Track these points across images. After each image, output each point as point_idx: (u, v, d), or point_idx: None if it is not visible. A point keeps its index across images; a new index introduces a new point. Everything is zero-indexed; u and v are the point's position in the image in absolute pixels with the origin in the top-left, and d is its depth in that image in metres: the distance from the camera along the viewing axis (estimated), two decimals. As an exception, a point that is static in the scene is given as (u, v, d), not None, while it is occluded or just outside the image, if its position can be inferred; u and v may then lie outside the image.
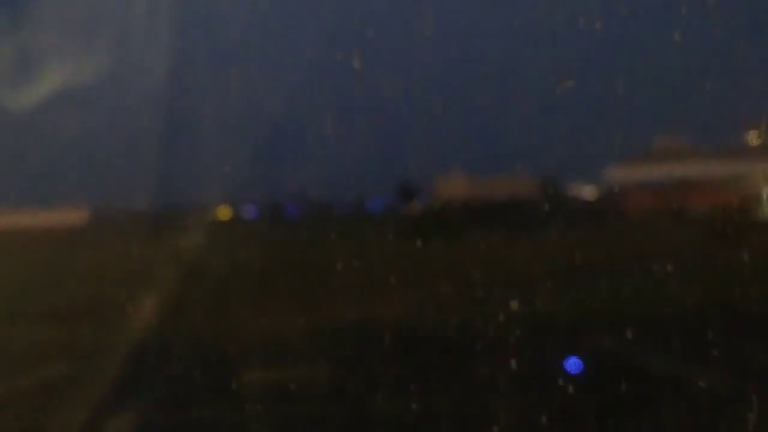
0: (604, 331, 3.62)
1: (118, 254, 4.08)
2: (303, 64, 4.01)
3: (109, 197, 4.27)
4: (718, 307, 3.33)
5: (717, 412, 3.27)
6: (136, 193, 4.18)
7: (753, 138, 3.86)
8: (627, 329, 3.49)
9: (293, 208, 4.37)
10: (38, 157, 4.23)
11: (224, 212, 4.27)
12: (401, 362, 3.59)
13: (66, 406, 3.77)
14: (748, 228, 3.52)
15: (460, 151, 4.08)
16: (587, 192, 4.04)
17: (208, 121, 4.11)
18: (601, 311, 3.67)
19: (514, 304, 3.52)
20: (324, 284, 3.82)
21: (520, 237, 3.82)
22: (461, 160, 4.24)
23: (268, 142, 4.13)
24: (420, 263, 3.74)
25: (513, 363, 3.38)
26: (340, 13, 4.00)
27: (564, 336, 3.71)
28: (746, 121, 3.83)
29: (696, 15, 3.36)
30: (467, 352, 3.43)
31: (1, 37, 4.21)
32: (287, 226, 4.36)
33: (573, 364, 3.68)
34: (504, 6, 3.79)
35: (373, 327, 3.70)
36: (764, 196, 3.82)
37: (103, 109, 4.20)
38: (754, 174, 3.90)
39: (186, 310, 3.98)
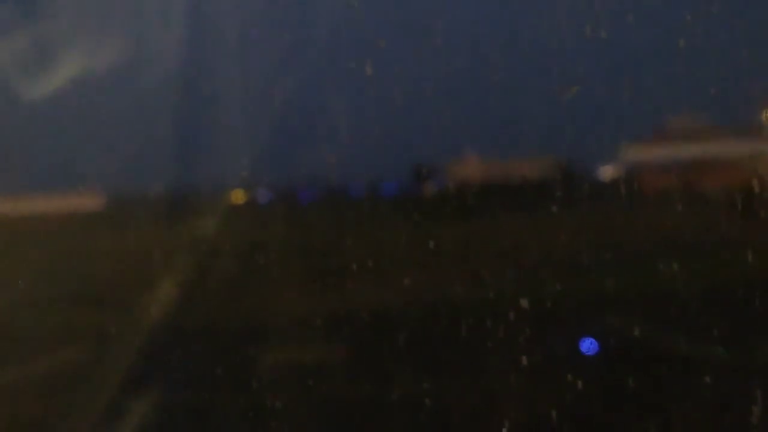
0: (620, 313, 3.61)
1: (131, 238, 4.10)
2: (316, 48, 4.01)
3: (124, 181, 4.28)
4: (737, 288, 3.32)
5: (734, 394, 3.26)
6: (149, 177, 4.19)
7: (769, 116, 3.82)
8: (644, 310, 3.47)
9: (307, 192, 4.36)
10: (56, 144, 4.24)
11: (238, 196, 4.27)
12: (418, 341, 3.59)
13: (83, 389, 3.78)
14: (766, 207, 3.50)
15: (475, 134, 4.06)
16: (603, 173, 4.02)
17: (221, 105, 4.11)
18: (617, 292, 3.65)
19: (530, 284, 3.51)
20: (339, 267, 3.82)
21: (536, 218, 3.80)
22: (476, 143, 4.22)
23: (282, 126, 4.13)
24: (435, 246, 3.74)
25: (528, 344, 3.38)
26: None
27: (580, 317, 3.70)
28: (763, 99, 3.80)
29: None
30: (483, 333, 3.43)
31: (17, 25, 4.23)
32: (301, 210, 4.36)
33: (589, 344, 3.68)
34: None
35: (389, 308, 3.71)
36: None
37: (118, 96, 4.20)
38: (771, 152, 3.87)
39: (200, 293, 3.99)
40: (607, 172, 3.96)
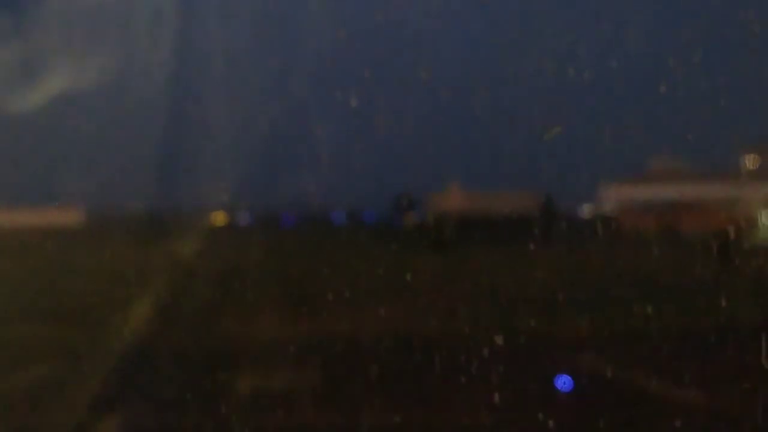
0: (596, 350, 3.61)
1: (112, 256, 4.08)
2: (303, 76, 4.02)
3: (107, 199, 4.27)
4: (713, 328, 3.33)
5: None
6: (133, 196, 4.18)
7: (749, 161, 3.85)
8: (619, 349, 3.47)
9: (289, 217, 4.37)
10: (39, 158, 4.24)
11: (220, 218, 4.27)
12: (392, 373, 3.58)
13: (58, 405, 3.76)
14: (744, 250, 3.52)
15: (458, 166, 4.08)
16: (584, 211, 4.04)
17: (207, 128, 4.11)
18: (594, 330, 3.65)
19: (506, 320, 3.51)
20: (317, 293, 3.81)
21: (515, 253, 3.81)
22: (459, 175, 4.23)
23: (267, 151, 4.13)
24: (414, 275, 3.73)
25: (504, 379, 3.37)
26: (343, 25, 4.01)
27: (556, 354, 3.70)
28: (743, 144, 3.83)
29: (696, 38, 3.37)
30: (458, 365, 3.42)
31: (5, 40, 4.23)
32: (282, 234, 4.36)
33: (564, 381, 3.67)
34: (506, 24, 3.79)
35: (365, 337, 3.70)
36: (760, 219, 3.82)
37: (103, 113, 4.21)
38: (751, 197, 3.90)
39: (178, 314, 3.97)
40: (589, 210, 3.98)
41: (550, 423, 3.30)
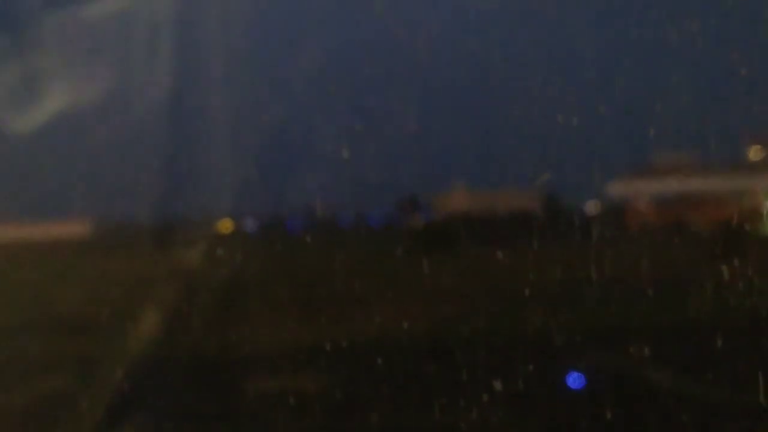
0: (606, 347, 3.62)
1: (117, 267, 4.10)
2: (305, 80, 4.02)
3: (110, 210, 4.28)
4: (721, 323, 3.33)
5: (718, 427, 3.26)
6: (136, 206, 4.19)
7: (756, 153, 3.85)
8: (630, 345, 3.48)
9: (295, 222, 4.37)
10: (43, 172, 4.25)
11: (226, 225, 4.28)
12: (400, 376, 3.59)
13: (66, 420, 3.77)
14: (751, 243, 3.51)
15: (463, 165, 4.08)
16: (590, 207, 4.03)
17: (209, 136, 4.12)
18: (603, 326, 3.66)
19: (515, 319, 3.52)
20: (325, 298, 3.82)
21: (522, 251, 3.81)
22: (464, 175, 4.23)
23: (270, 156, 4.14)
24: (422, 277, 3.74)
25: (514, 378, 3.37)
26: (342, 26, 4.02)
27: (566, 351, 3.70)
28: (749, 136, 3.83)
29: (700, 29, 3.37)
30: (468, 366, 3.43)
31: (5, 58, 4.24)
32: (289, 240, 4.36)
33: (575, 379, 3.68)
34: (509, 22, 3.79)
35: (373, 341, 3.70)
36: (767, 212, 3.81)
37: (106, 126, 4.22)
38: (757, 189, 3.90)
39: (186, 323, 3.98)
40: (595, 206, 3.97)
41: (562, 420, 3.31)
